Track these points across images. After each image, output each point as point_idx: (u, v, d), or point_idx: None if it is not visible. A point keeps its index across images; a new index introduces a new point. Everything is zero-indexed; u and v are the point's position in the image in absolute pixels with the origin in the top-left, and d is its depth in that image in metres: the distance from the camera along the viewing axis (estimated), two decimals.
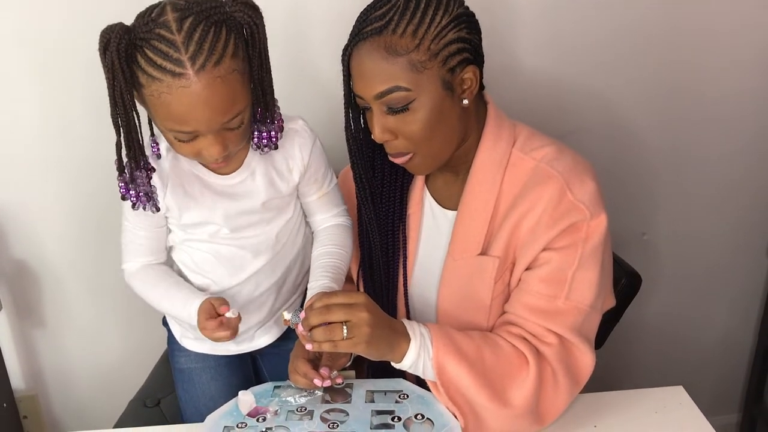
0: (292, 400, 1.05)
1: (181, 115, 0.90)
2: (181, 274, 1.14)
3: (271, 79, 0.98)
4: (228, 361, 1.20)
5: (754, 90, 1.62)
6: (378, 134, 1.00)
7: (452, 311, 1.09)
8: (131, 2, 0.96)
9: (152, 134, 1.02)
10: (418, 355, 0.97)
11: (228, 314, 1.01)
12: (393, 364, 0.99)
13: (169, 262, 1.16)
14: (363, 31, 0.96)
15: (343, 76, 1.01)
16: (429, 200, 1.14)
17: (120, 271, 1.60)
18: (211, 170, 1.05)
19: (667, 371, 1.91)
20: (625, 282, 1.26)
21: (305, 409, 1.03)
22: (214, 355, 1.20)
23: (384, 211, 1.14)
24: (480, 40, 1.02)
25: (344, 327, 0.92)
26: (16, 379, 1.70)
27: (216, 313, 1.01)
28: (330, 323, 0.93)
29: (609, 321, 1.22)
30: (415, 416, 1.00)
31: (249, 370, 1.26)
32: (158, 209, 1.02)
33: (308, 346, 0.95)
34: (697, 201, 1.73)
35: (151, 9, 0.92)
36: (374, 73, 0.96)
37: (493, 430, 1.00)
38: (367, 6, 0.99)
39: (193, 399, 1.21)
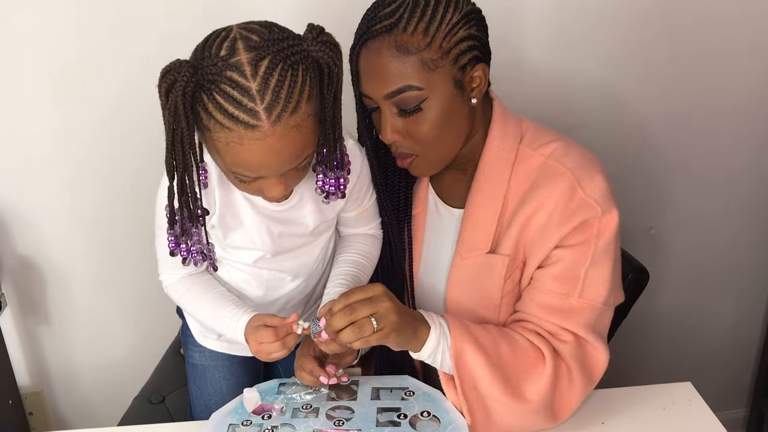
0: (298, 398, 1.05)
1: (250, 164, 0.84)
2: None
3: (341, 120, 0.91)
4: (241, 360, 1.20)
5: (764, 85, 1.61)
6: (389, 135, 0.98)
7: (461, 310, 1.08)
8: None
9: (201, 160, 0.92)
10: (437, 342, 0.96)
11: (298, 330, 0.96)
12: (412, 354, 0.98)
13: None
14: (372, 29, 0.94)
15: (352, 76, 0.99)
16: (434, 199, 1.13)
17: (124, 267, 1.62)
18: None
19: (674, 367, 1.91)
20: (632, 277, 1.26)
21: (310, 407, 1.03)
22: (229, 354, 1.19)
23: (388, 212, 1.13)
24: (487, 37, 1.00)
25: (373, 320, 0.91)
26: (22, 375, 1.70)
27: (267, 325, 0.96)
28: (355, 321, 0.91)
29: (616, 317, 1.21)
30: (422, 413, 0.99)
31: (259, 368, 1.25)
32: (216, 269, 0.96)
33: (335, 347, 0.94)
34: (705, 195, 1.72)
35: (218, 41, 0.82)
36: (385, 72, 0.94)
37: (505, 425, 0.99)
38: (374, 3, 0.97)
39: (203, 396, 1.21)
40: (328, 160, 0.93)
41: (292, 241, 1.04)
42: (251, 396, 1.05)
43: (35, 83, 1.44)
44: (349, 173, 0.97)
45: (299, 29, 0.86)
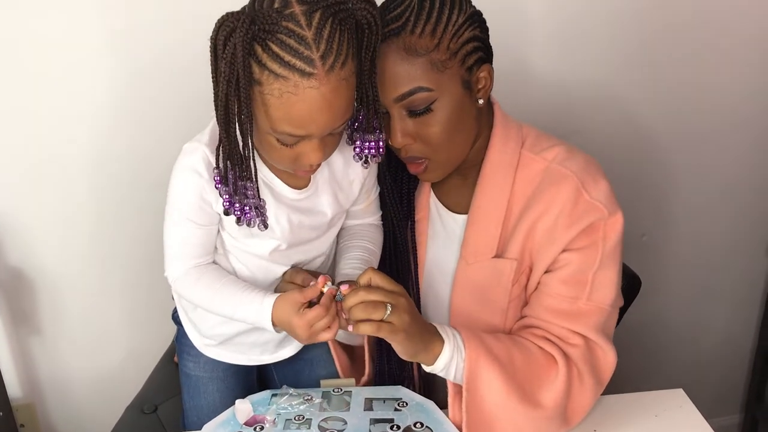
0: (290, 408, 1.05)
1: (302, 117, 0.84)
2: None
3: (377, 84, 0.93)
4: (236, 372, 1.19)
5: (758, 92, 1.62)
6: (398, 140, 0.98)
7: (467, 316, 1.08)
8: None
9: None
10: (451, 356, 0.96)
11: (326, 288, 0.93)
12: (424, 367, 0.98)
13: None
14: None
15: None
16: (436, 205, 1.13)
17: (116, 278, 1.61)
18: (284, 182, 0.99)
19: (667, 373, 1.91)
20: (624, 285, 1.25)
21: (303, 418, 1.02)
22: (224, 366, 1.17)
23: (397, 215, 1.12)
24: (489, 38, 1.01)
25: (388, 306, 0.90)
26: (13, 387, 1.69)
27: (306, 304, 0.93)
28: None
29: None
30: (415, 425, 0.99)
31: (253, 379, 1.24)
32: (267, 226, 0.95)
33: (349, 328, 0.92)
34: (697, 201, 1.73)
35: None
36: (394, 75, 0.94)
37: None
38: (378, 8, 0.97)
39: (196, 407, 1.20)
40: (366, 124, 0.95)
41: (308, 233, 1.04)
42: (243, 407, 1.04)
43: (28, 90, 1.43)
44: (383, 134, 0.98)
45: None
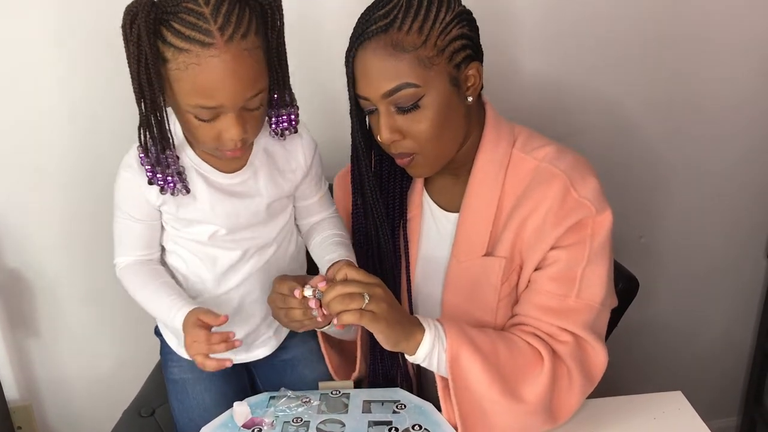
0: (288, 411, 1.04)
1: (209, 86, 0.89)
2: (173, 277, 1.10)
3: (287, 62, 0.99)
4: (222, 371, 1.19)
5: (756, 93, 1.62)
6: (386, 135, 0.99)
7: (458, 314, 1.09)
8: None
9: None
10: (432, 345, 0.96)
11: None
12: (407, 357, 0.98)
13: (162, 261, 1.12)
14: (367, 30, 0.96)
15: (348, 79, 1.00)
16: (429, 203, 1.14)
17: (113, 280, 1.60)
18: (215, 168, 1.03)
19: (665, 375, 1.91)
20: (622, 286, 1.26)
21: (301, 420, 1.02)
22: None
23: (380, 216, 1.13)
24: (479, 37, 1.02)
25: (366, 296, 0.91)
26: (10, 389, 1.69)
27: (208, 325, 0.97)
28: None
29: (607, 325, 1.21)
30: (413, 427, 0.99)
31: (244, 380, 1.24)
32: (188, 191, 1.00)
33: (334, 321, 0.93)
34: (696, 203, 1.73)
35: None
36: (381, 71, 0.96)
37: (504, 427, 0.99)
38: (368, 7, 0.99)
39: (187, 410, 1.19)
40: (279, 101, 1.00)
41: (247, 219, 1.06)
42: (241, 409, 1.04)
43: (23, 92, 1.43)
44: (298, 109, 1.03)
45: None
